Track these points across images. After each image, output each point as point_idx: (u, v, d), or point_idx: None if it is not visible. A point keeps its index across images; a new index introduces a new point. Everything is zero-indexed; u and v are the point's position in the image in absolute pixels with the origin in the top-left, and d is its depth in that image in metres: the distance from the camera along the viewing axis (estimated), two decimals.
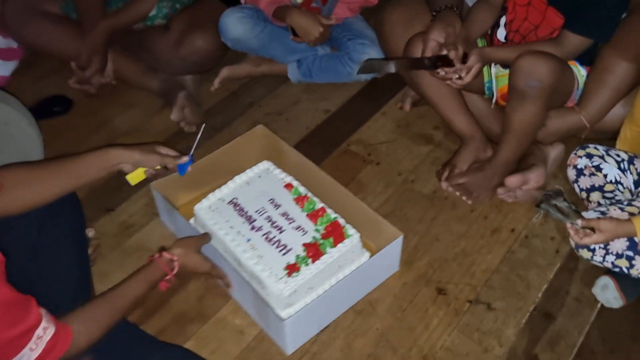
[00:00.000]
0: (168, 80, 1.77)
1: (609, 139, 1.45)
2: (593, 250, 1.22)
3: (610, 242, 1.19)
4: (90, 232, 1.31)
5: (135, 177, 1.18)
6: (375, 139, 1.66)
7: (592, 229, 1.14)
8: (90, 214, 1.45)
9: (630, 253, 1.18)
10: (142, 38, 1.74)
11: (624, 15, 1.36)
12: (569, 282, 1.30)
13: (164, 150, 1.20)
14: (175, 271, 1.13)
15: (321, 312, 1.22)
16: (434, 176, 1.55)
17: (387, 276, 1.32)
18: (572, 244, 1.26)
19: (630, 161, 1.34)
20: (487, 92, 1.54)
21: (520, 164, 1.47)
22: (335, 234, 1.25)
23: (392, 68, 1.35)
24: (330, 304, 1.23)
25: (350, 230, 1.26)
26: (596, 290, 1.25)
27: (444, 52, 1.31)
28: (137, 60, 1.81)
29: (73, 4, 1.74)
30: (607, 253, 1.20)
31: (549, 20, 1.34)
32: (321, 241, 1.25)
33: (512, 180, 1.44)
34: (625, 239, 1.18)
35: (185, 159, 1.22)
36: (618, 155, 1.36)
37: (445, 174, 1.51)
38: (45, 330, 0.83)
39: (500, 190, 1.46)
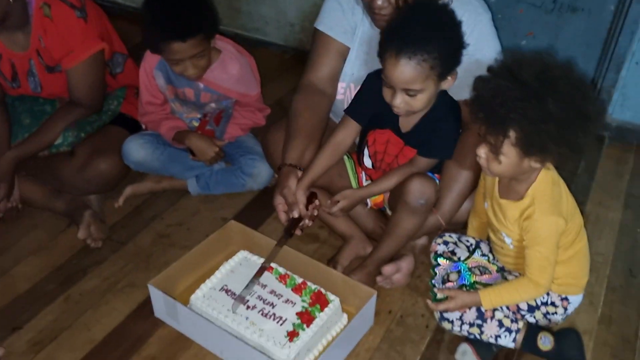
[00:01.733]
0: (73, 200, 1.90)
1: (461, 228, 1.75)
2: (452, 322, 1.47)
3: (464, 314, 1.45)
4: (0, 351, 1.39)
5: None
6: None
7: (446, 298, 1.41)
8: None
9: (479, 322, 1.44)
10: (47, 164, 1.87)
11: None
12: (437, 352, 1.52)
13: None
14: None
15: None
16: None
17: (365, 331, 1.56)
18: (436, 317, 1.51)
19: (477, 245, 1.64)
20: None
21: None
22: (319, 301, 1.50)
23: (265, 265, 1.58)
24: None
25: (331, 296, 1.51)
26: (458, 356, 1.49)
27: (292, 213, 1.56)
28: (42, 184, 1.93)
29: None
30: (462, 323, 1.45)
31: (405, 153, 1.62)
32: (310, 308, 1.47)
33: (388, 269, 1.67)
34: (475, 310, 1.45)
35: None
36: (467, 241, 1.65)
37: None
38: None
39: (379, 278, 1.69)
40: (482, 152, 1.31)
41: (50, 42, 1.76)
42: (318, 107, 1.70)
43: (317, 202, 1.62)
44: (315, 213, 1.62)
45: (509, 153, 1.27)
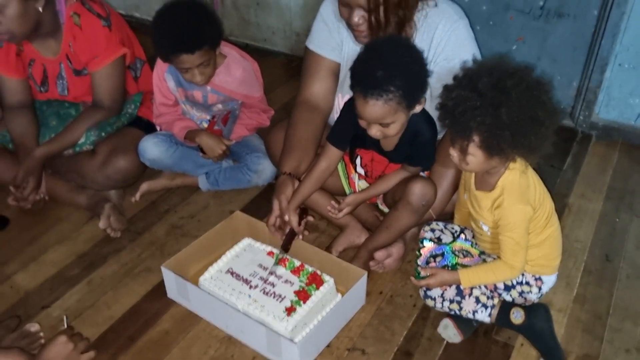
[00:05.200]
0: (95, 195, 2.08)
1: (449, 218, 1.89)
2: (434, 299, 1.61)
3: (445, 291, 1.60)
4: (33, 327, 1.57)
5: None
6: None
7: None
8: (29, 312, 1.71)
9: (459, 298, 1.59)
10: (71, 162, 2.06)
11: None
12: (423, 327, 1.66)
13: None
14: None
15: (317, 340, 1.57)
16: None
17: (357, 309, 1.72)
18: (421, 295, 1.66)
19: (462, 231, 1.79)
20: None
21: None
22: (315, 281, 1.66)
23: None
24: (323, 333, 1.59)
25: (326, 277, 1.67)
26: (440, 330, 1.63)
27: (286, 229, 1.73)
28: (67, 181, 2.11)
29: (10, 137, 2.06)
30: (443, 300, 1.60)
31: (391, 166, 1.77)
32: (307, 287, 1.64)
33: (379, 254, 1.82)
34: (455, 288, 1.60)
35: None
36: (453, 228, 1.80)
37: None
38: None
39: (371, 263, 1.84)
40: (453, 152, 1.47)
41: (78, 48, 1.96)
42: (313, 122, 1.82)
43: (310, 217, 1.80)
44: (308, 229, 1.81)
45: (476, 154, 1.42)
